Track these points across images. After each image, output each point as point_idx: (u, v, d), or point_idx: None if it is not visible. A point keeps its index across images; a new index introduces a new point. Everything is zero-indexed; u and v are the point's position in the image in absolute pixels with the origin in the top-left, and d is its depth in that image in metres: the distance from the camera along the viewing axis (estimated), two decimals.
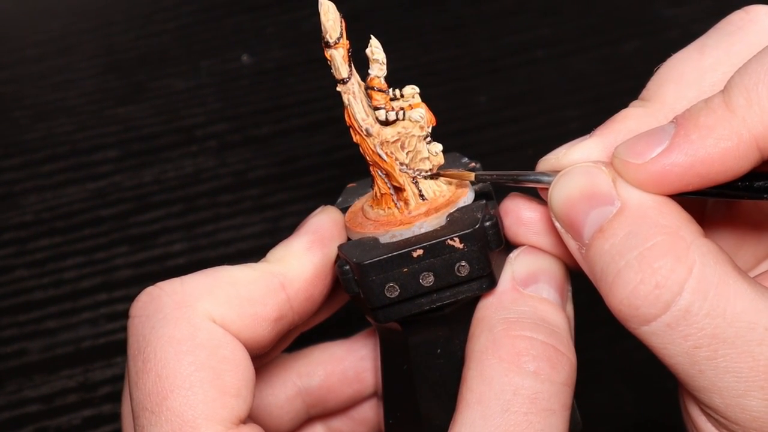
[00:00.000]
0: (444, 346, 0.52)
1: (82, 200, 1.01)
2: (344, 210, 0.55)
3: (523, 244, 0.52)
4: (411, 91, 0.52)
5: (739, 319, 0.42)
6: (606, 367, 0.78)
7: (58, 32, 1.26)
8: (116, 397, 0.83)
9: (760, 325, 0.42)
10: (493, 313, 0.50)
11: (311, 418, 0.63)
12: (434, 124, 0.52)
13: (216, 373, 0.48)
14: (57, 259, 0.95)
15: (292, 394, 0.61)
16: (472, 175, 0.51)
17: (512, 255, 0.52)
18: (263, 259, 0.52)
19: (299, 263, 0.51)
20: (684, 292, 0.43)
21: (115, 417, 0.81)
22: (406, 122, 0.50)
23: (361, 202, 0.54)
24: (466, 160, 0.55)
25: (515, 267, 0.51)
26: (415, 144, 0.51)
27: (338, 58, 0.49)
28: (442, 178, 0.52)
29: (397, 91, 0.51)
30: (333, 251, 0.52)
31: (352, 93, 0.50)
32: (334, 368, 0.61)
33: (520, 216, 0.51)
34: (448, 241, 0.48)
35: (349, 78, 0.50)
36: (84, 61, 1.21)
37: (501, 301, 0.50)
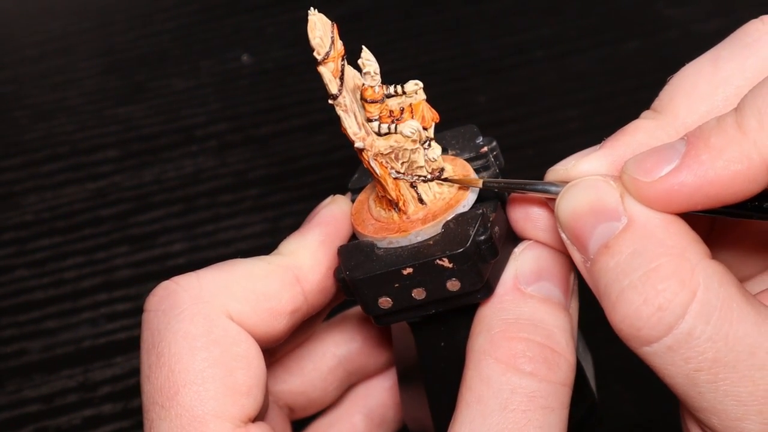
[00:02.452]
0: (447, 340, 0.52)
1: (82, 200, 1.01)
2: (357, 190, 0.55)
3: (529, 239, 0.51)
4: (413, 87, 0.50)
5: (740, 344, 0.42)
6: (606, 367, 0.78)
7: (58, 32, 1.26)
8: (116, 397, 0.83)
9: (762, 349, 0.42)
10: (493, 314, 0.49)
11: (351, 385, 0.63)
12: (437, 121, 0.51)
13: (228, 371, 0.48)
14: (57, 259, 0.95)
15: (333, 364, 0.61)
16: (480, 182, 0.51)
17: (517, 250, 0.51)
18: (276, 252, 0.52)
19: (313, 256, 0.52)
20: (687, 316, 0.42)
21: (115, 417, 0.81)
22: (398, 136, 0.50)
23: (370, 191, 0.54)
24: (480, 140, 0.54)
25: (519, 264, 0.51)
26: (409, 155, 0.50)
27: (327, 75, 0.48)
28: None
29: (399, 87, 0.50)
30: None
31: (344, 107, 0.49)
32: (370, 331, 0.62)
33: (528, 211, 0.51)
34: (437, 261, 0.48)
35: (340, 93, 0.49)
36: (84, 61, 1.21)
37: (501, 301, 0.50)
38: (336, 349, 0.61)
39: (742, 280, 0.45)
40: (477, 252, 0.48)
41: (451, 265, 0.48)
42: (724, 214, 0.45)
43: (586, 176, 0.47)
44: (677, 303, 0.42)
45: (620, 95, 1.02)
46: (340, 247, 0.51)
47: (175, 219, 0.98)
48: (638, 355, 0.44)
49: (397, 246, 0.50)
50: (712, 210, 0.45)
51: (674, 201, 0.44)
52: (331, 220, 0.52)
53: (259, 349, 0.50)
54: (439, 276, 0.48)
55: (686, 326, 0.42)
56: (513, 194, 0.51)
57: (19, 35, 1.27)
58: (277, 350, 0.58)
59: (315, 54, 0.48)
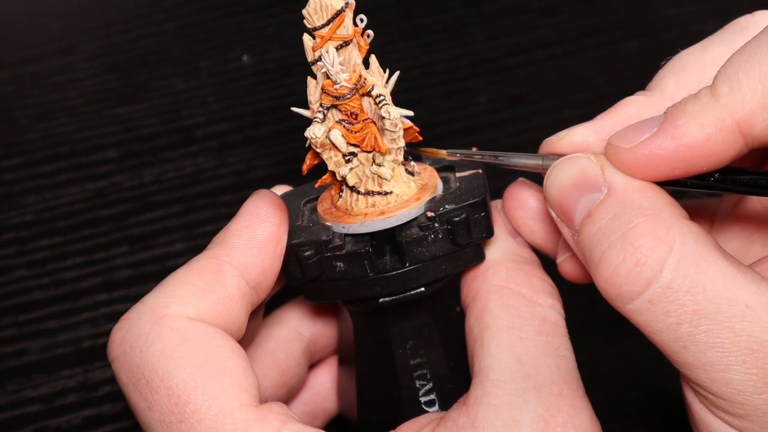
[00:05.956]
0: (423, 334, 0.54)
1: (82, 200, 1.01)
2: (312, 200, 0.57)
3: (520, 227, 0.55)
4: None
5: (719, 296, 0.43)
6: (606, 367, 0.78)
7: (58, 32, 1.26)
8: (116, 397, 0.82)
9: (740, 302, 0.43)
10: (505, 255, 0.54)
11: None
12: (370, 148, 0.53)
13: (219, 364, 0.48)
14: (57, 259, 0.95)
15: (303, 347, 0.62)
16: (443, 152, 0.54)
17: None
18: (205, 249, 0.54)
19: (239, 241, 0.53)
20: (664, 270, 0.44)
21: (115, 417, 0.81)
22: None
23: (328, 195, 0.56)
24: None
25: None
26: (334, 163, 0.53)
27: (306, 44, 0.51)
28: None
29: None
30: (270, 226, 0.53)
31: (317, 76, 0.52)
32: (325, 314, 0.63)
33: (522, 202, 0.55)
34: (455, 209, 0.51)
35: (313, 64, 0.52)
36: (84, 61, 1.21)
37: (510, 243, 0.55)
38: (304, 330, 0.63)
39: None
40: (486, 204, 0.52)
41: (464, 215, 0.51)
42: (701, 188, 0.48)
43: (569, 155, 0.50)
44: (654, 258, 0.44)
45: (620, 95, 1.01)
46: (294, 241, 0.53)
47: (175, 219, 0.98)
48: (625, 316, 0.46)
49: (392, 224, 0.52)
50: (691, 182, 0.47)
51: (653, 165, 0.46)
52: (252, 208, 0.54)
53: (231, 337, 0.50)
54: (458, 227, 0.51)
55: (664, 280, 0.44)
56: (509, 187, 0.56)
57: (19, 35, 1.27)
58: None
59: (305, 21, 0.50)
